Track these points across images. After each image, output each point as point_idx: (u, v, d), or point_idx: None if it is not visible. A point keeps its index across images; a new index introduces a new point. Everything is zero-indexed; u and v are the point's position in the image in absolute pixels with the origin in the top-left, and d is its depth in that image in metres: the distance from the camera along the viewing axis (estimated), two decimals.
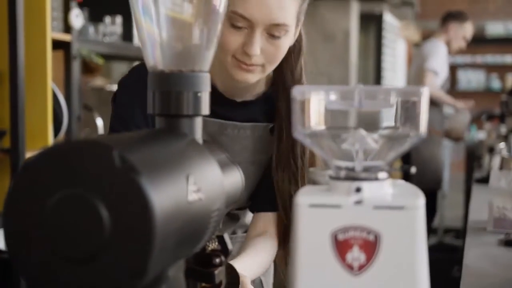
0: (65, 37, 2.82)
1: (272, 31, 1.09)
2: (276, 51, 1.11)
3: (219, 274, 0.65)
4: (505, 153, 2.60)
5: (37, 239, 0.49)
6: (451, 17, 4.41)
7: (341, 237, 0.60)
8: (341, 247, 0.60)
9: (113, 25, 3.30)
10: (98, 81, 3.79)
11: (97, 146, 0.48)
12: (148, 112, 0.62)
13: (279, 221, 1.25)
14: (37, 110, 2.53)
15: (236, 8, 1.06)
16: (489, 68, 7.99)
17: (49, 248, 0.48)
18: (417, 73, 4.36)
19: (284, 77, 1.22)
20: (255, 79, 1.15)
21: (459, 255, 1.65)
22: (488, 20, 7.71)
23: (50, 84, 2.59)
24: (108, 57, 3.44)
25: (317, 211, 0.60)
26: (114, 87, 1.70)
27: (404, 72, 7.38)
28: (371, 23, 5.96)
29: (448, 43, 4.38)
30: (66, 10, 2.83)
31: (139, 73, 1.16)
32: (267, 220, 1.25)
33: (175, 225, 0.50)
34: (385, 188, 0.62)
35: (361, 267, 0.60)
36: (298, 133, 0.64)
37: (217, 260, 0.65)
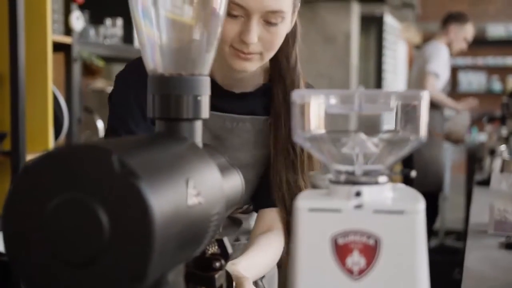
0: (66, 39, 2.82)
1: (269, 18, 1.08)
2: (273, 38, 1.11)
3: (219, 278, 0.65)
4: (506, 155, 2.60)
5: (37, 242, 0.49)
6: (452, 18, 4.41)
7: (341, 241, 0.60)
8: (341, 251, 0.60)
9: (113, 27, 3.30)
10: (98, 84, 3.79)
11: (97, 150, 0.48)
12: (148, 116, 0.62)
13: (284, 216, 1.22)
14: (37, 112, 2.53)
15: None
16: (490, 70, 7.98)
17: (48, 252, 0.48)
18: (418, 75, 4.36)
19: (279, 64, 1.21)
20: (253, 68, 1.14)
21: (460, 257, 1.65)
22: (489, 22, 7.70)
23: (51, 87, 2.59)
24: (108, 60, 3.44)
25: (317, 216, 0.60)
26: None
27: (405, 74, 7.38)
28: (372, 25, 5.96)
29: (449, 45, 4.38)
30: (67, 12, 2.83)
31: (136, 66, 1.15)
32: (272, 216, 1.22)
33: (175, 229, 0.50)
34: (385, 192, 0.62)
35: (361, 272, 0.60)
36: (298, 137, 0.64)
37: (217, 264, 0.65)
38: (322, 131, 0.64)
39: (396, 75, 6.85)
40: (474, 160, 4.43)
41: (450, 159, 5.10)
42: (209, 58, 0.63)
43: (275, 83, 1.22)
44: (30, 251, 0.49)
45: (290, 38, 1.20)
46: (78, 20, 2.85)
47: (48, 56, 2.56)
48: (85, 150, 0.49)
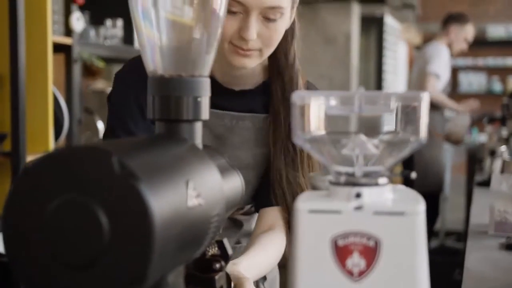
0: (66, 40, 2.82)
1: (268, 14, 1.08)
2: (272, 34, 1.10)
3: (220, 279, 0.65)
4: (506, 156, 2.60)
5: (37, 243, 0.49)
6: (452, 19, 4.41)
7: (341, 243, 0.60)
8: (341, 253, 0.60)
9: (114, 28, 3.30)
10: (99, 84, 3.79)
11: (97, 152, 0.48)
12: (148, 117, 0.62)
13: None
14: (38, 113, 2.53)
15: None
16: (491, 71, 7.97)
17: (48, 253, 0.48)
18: (419, 76, 4.36)
19: (278, 61, 1.21)
20: (253, 64, 1.14)
21: (461, 258, 1.65)
22: (489, 23, 7.70)
23: (51, 87, 2.59)
24: (109, 60, 3.44)
25: (317, 217, 0.60)
26: None
27: (405, 75, 7.38)
28: (372, 26, 5.96)
29: (450, 46, 4.38)
30: (67, 13, 2.83)
31: (135, 65, 1.15)
32: (273, 215, 1.21)
33: (175, 231, 0.50)
34: (386, 194, 0.62)
35: (361, 273, 0.60)
36: (298, 138, 0.64)
37: (217, 265, 0.65)
38: (322, 132, 0.64)
39: (396, 76, 6.85)
40: (474, 161, 4.42)
41: (450, 159, 5.10)
42: (209, 59, 0.63)
43: (273, 80, 1.22)
44: (30, 252, 0.49)
45: (288, 35, 1.19)
46: (78, 21, 2.85)
47: (49, 57, 2.56)
48: (85, 151, 0.49)
